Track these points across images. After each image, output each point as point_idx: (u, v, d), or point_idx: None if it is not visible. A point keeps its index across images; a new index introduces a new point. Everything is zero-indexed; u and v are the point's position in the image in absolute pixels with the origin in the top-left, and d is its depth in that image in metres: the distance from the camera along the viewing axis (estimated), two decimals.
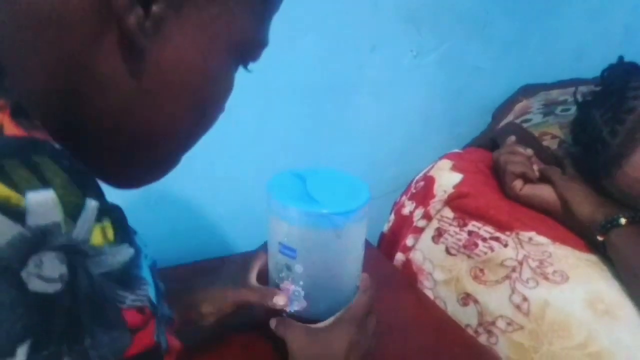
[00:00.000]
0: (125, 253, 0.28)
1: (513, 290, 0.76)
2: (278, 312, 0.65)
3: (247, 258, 0.69)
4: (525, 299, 0.74)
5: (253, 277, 0.67)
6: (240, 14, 0.37)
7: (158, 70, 0.34)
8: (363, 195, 0.62)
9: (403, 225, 0.96)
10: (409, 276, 0.91)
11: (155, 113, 0.36)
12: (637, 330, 0.67)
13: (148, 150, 0.38)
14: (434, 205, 0.91)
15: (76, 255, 0.26)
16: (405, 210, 0.97)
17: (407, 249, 0.93)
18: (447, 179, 0.93)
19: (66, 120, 0.33)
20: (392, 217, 1.00)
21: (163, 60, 0.34)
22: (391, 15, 0.94)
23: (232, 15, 0.36)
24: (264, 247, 0.68)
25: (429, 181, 0.95)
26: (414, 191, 0.99)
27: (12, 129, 0.26)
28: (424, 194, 0.94)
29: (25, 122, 0.27)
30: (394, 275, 0.92)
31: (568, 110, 1.01)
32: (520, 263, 0.77)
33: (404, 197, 1.00)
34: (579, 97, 0.84)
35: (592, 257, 0.75)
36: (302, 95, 0.92)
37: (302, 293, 0.63)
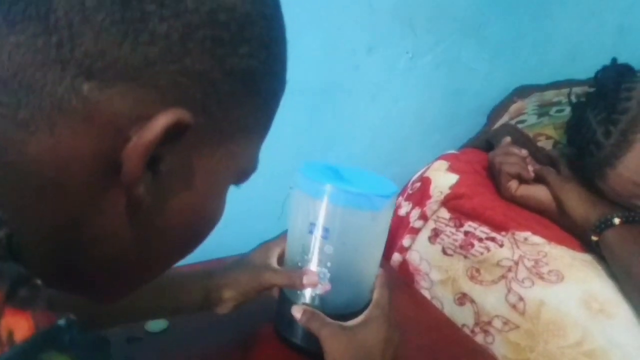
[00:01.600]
0: None
1: (509, 290, 0.76)
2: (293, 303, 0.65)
3: (266, 245, 0.70)
4: (521, 298, 0.75)
5: (274, 261, 0.67)
6: (241, 152, 0.37)
7: (159, 220, 0.34)
8: (392, 185, 0.65)
9: (400, 225, 0.96)
10: (406, 276, 0.92)
11: (152, 254, 0.36)
12: (631, 329, 0.67)
13: (141, 279, 0.39)
14: (430, 206, 0.92)
15: None
16: (402, 211, 0.98)
17: (404, 250, 0.94)
18: (443, 179, 0.94)
19: (59, 264, 0.33)
20: None
21: (165, 210, 0.34)
22: (387, 16, 0.95)
23: (233, 155, 0.36)
24: (282, 235, 0.69)
25: (425, 182, 0.96)
26: (410, 192, 0.99)
27: (21, 329, 0.26)
28: (420, 194, 0.95)
29: (26, 296, 0.27)
30: (391, 275, 0.92)
31: (562, 111, 1.02)
32: (516, 263, 0.78)
33: (400, 198, 1.01)
34: (573, 98, 0.85)
35: (587, 257, 0.76)
36: (299, 97, 0.93)
37: (328, 275, 0.63)
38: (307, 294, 0.64)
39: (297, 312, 0.63)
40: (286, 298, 0.66)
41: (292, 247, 0.66)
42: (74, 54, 0.28)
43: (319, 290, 0.63)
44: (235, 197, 1.01)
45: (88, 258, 0.33)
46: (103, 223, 0.32)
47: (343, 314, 0.63)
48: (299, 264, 0.64)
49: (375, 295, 0.63)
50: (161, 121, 0.29)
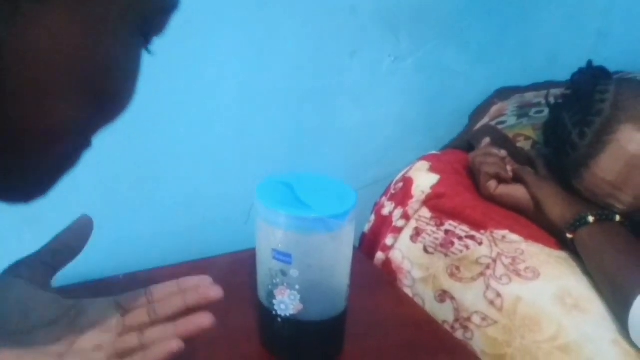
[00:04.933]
0: None
1: (487, 286, 0.78)
2: (272, 318, 0.66)
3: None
4: (498, 295, 0.77)
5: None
6: None
7: (23, 65, 0.26)
8: (351, 197, 0.65)
9: (383, 225, 0.98)
10: (388, 275, 0.93)
11: (31, 114, 0.28)
12: (603, 324, 0.70)
13: (32, 157, 0.30)
14: (412, 205, 0.94)
15: None
16: (385, 211, 0.99)
17: (386, 249, 0.95)
18: (424, 180, 0.96)
19: None
20: (373, 217, 1.02)
21: (29, 50, 0.26)
22: (370, 21, 0.97)
23: None
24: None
25: (407, 182, 0.98)
26: (393, 192, 1.01)
27: None
28: (402, 194, 0.97)
29: None
30: (375, 274, 0.94)
31: (541, 112, 1.04)
32: (494, 260, 0.80)
33: (383, 198, 1.03)
34: (551, 100, 0.87)
35: (563, 254, 0.78)
36: (283, 100, 0.95)
37: (298, 297, 0.64)
38: (284, 310, 0.65)
39: None
40: (267, 311, 0.67)
41: (261, 271, 0.67)
42: None
43: (292, 311, 0.65)
44: (223, 196, 1.02)
45: None
46: None
47: (321, 320, 0.66)
48: (270, 287, 0.65)
49: None
50: None
